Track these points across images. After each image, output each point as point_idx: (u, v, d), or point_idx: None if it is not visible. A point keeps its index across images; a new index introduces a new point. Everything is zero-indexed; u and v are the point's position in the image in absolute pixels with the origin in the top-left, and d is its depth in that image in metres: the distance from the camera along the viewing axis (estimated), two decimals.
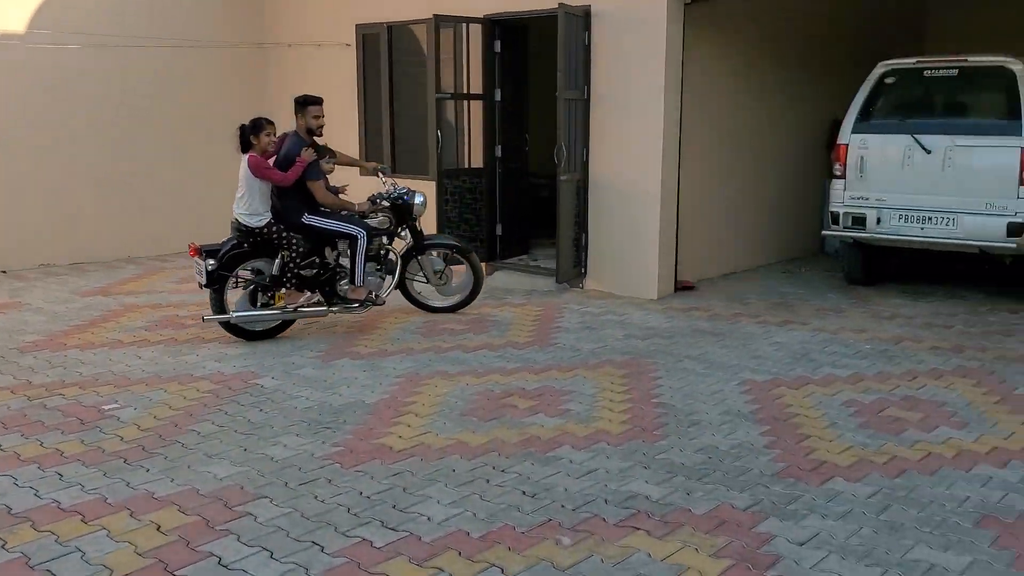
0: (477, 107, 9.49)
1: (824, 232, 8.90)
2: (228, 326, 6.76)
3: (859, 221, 8.19)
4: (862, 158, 8.21)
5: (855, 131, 8.27)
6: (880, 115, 8.30)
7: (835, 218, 8.37)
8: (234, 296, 6.83)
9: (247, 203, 6.54)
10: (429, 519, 3.85)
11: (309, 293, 6.90)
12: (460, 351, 6.55)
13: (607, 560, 3.50)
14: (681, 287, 8.63)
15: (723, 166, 9.29)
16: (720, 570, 3.41)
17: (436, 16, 8.96)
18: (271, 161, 6.63)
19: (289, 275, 6.67)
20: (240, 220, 6.58)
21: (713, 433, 4.87)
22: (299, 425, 5.02)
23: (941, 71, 8.05)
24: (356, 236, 6.77)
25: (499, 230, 9.66)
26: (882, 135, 8.15)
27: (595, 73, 8.46)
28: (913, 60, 8.31)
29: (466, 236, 9.21)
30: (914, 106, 8.34)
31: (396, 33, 10.21)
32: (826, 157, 10.65)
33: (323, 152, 6.98)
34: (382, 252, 7.21)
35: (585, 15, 8.36)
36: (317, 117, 6.79)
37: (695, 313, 7.75)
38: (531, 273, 9.22)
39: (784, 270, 9.88)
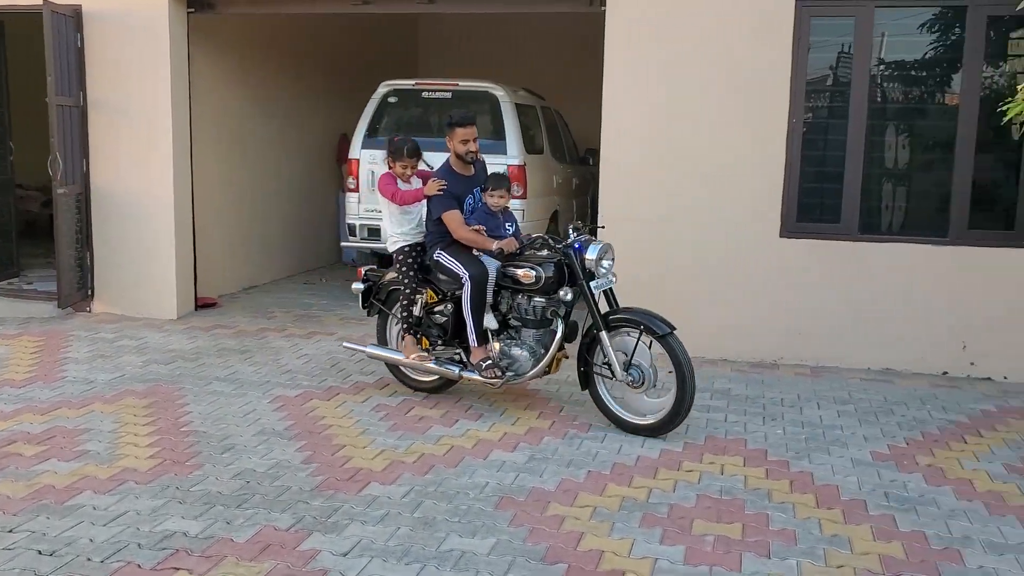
0: None
1: (343, 244, 9.19)
2: (390, 367, 6.04)
3: (375, 232, 8.60)
4: (372, 172, 8.62)
5: (364, 147, 8.66)
6: (386, 132, 8.78)
7: (352, 230, 8.68)
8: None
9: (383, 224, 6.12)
10: None
11: (420, 346, 5.74)
12: None
13: None
14: (202, 304, 8.31)
15: (238, 179, 9.15)
16: None
17: None
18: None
19: (403, 315, 5.74)
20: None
21: (249, 456, 4.76)
22: None
23: (437, 93, 8.77)
24: (462, 280, 5.41)
25: None
26: None
27: (91, 78, 7.80)
28: (412, 82, 8.94)
29: None
30: (415, 124, 8.97)
31: None
32: (338, 171, 11.03)
33: (480, 182, 5.60)
34: (535, 313, 5.42)
35: (76, 15, 7.65)
36: (465, 141, 5.48)
37: (219, 331, 7.51)
38: (25, 299, 8.20)
39: (306, 281, 10.02)
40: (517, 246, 5.38)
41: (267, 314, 8.25)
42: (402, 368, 5.92)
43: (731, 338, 6.90)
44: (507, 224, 5.56)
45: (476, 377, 5.47)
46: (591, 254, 5.22)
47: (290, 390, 5.92)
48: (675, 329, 5.01)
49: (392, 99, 8.81)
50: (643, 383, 5.13)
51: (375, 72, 9.93)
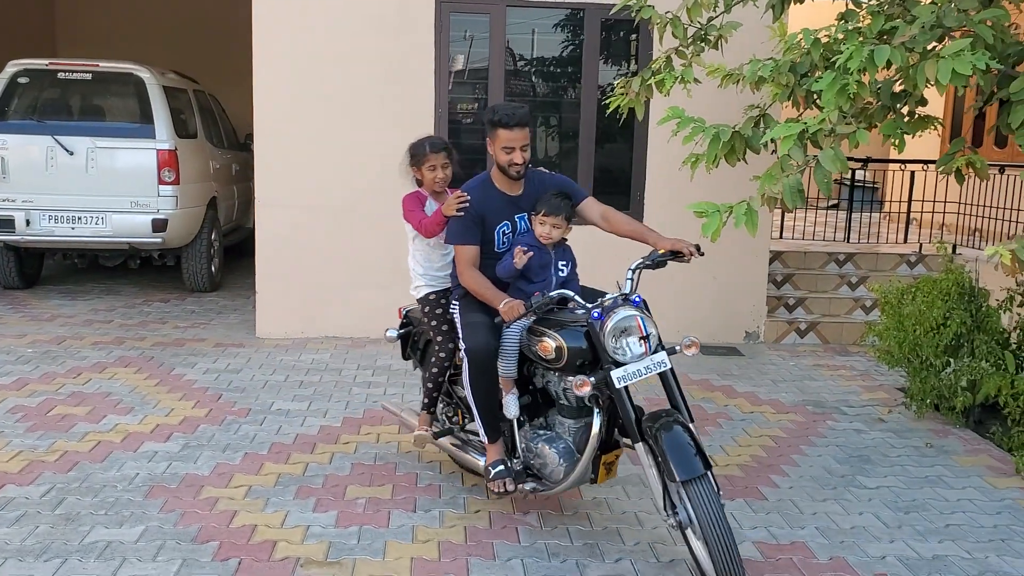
0: None
1: None
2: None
3: (7, 224, 7.89)
4: (4, 159, 7.90)
5: None
6: (18, 115, 8.09)
7: None
8: None
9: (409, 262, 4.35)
10: None
11: (428, 423, 4.39)
12: None
13: None
14: None
15: None
16: None
17: None
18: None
19: (427, 378, 4.34)
20: None
21: None
22: None
23: (76, 74, 8.21)
24: (462, 350, 3.93)
25: None
26: (21, 135, 7.96)
27: None
28: (47, 61, 8.28)
29: None
30: (51, 108, 8.33)
31: None
32: None
33: (530, 207, 3.91)
34: (568, 399, 3.77)
35: None
36: (510, 149, 3.80)
37: None
38: None
39: None
40: (520, 312, 3.55)
41: None
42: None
43: (392, 317, 7.19)
44: (560, 264, 3.88)
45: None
46: (608, 333, 3.45)
47: None
48: (710, 468, 3.29)
49: (22, 79, 8.12)
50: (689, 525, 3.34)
51: (4, 51, 9.06)
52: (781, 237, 9.05)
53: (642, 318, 3.47)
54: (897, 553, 3.79)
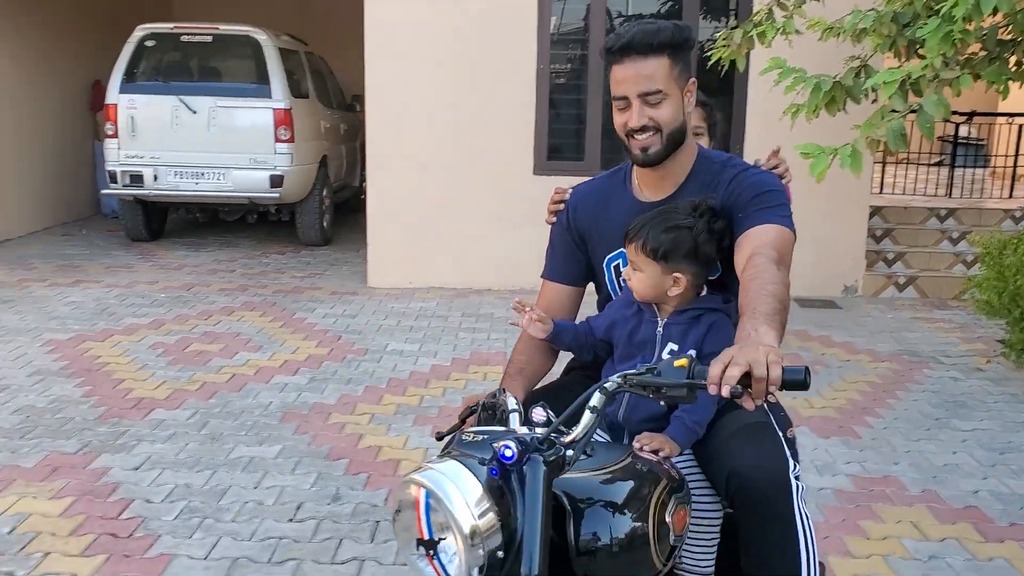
0: None
1: (103, 192, 8.96)
2: None
3: (137, 179, 8.46)
4: (132, 117, 8.46)
5: (123, 91, 8.46)
6: (145, 76, 8.63)
7: (113, 177, 8.49)
8: None
9: None
10: None
11: None
12: None
13: None
14: None
15: None
16: (63, 508, 3.53)
17: None
18: None
19: None
20: None
21: (26, 394, 4.78)
22: None
23: (197, 37, 8.69)
24: None
25: None
26: (149, 95, 8.50)
27: None
28: (171, 25, 8.79)
29: None
30: (176, 69, 8.86)
31: None
32: (91, 119, 10.62)
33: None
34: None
35: None
36: (624, 106, 2.09)
37: None
38: None
39: (64, 233, 9.66)
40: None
41: (26, 265, 7.96)
42: None
43: (494, 270, 7.51)
44: (671, 347, 2.08)
45: None
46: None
47: (61, 334, 5.89)
48: None
49: (149, 43, 8.64)
50: None
51: (128, 16, 9.63)
52: (881, 192, 9.00)
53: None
54: (990, 488, 3.91)
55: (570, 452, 1.59)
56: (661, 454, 1.91)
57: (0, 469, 3.85)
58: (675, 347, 2.07)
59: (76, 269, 7.89)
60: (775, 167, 3.19)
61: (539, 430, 1.63)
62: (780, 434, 2.04)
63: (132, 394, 4.83)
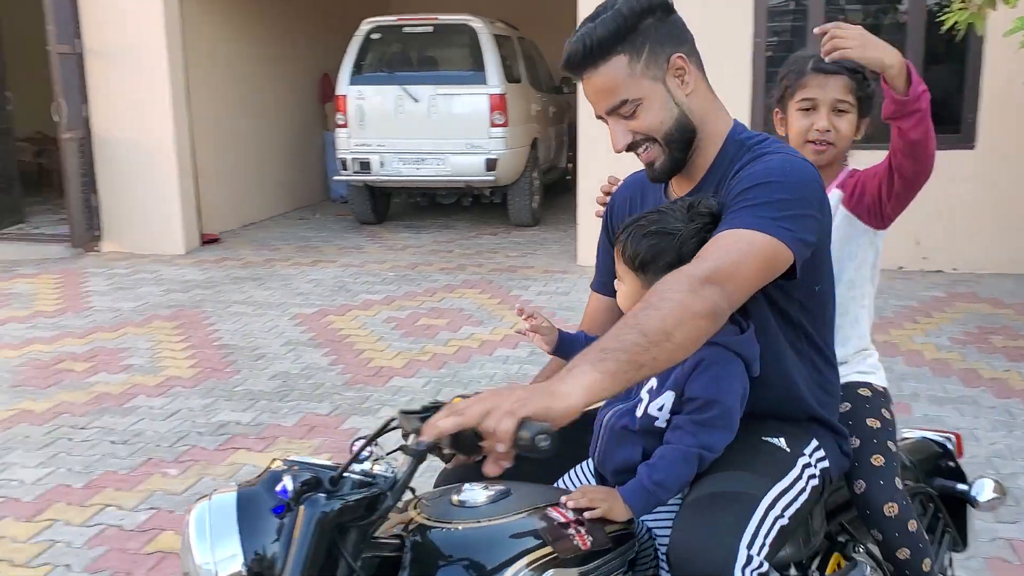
0: None
1: (335, 178, 9.64)
2: None
3: (365, 166, 9.04)
4: (361, 107, 9.03)
5: (352, 83, 9.04)
6: (371, 68, 9.18)
7: (344, 164, 9.11)
8: None
9: None
10: (21, 482, 3.76)
11: None
12: None
13: (219, 477, 3.79)
14: (206, 240, 8.75)
15: (231, 119, 9.50)
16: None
17: None
18: None
19: None
20: None
21: (281, 362, 5.29)
22: None
23: (419, 28, 9.15)
24: None
25: None
26: (375, 86, 9.04)
27: (86, 25, 8.11)
28: (394, 18, 9.30)
29: None
30: (399, 59, 9.37)
31: None
32: (320, 110, 11.41)
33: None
34: None
35: None
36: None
37: (228, 263, 7.98)
38: (36, 242, 8.60)
39: (299, 217, 10.46)
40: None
41: (270, 246, 8.71)
42: None
43: None
44: (649, 382, 1.66)
45: None
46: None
47: (307, 309, 6.43)
48: None
49: (375, 36, 9.18)
50: None
51: (349, 11, 10.26)
52: None
53: None
54: None
55: (386, 496, 1.33)
56: (589, 514, 1.52)
57: (266, 427, 4.30)
58: (654, 385, 1.66)
59: (314, 250, 8.55)
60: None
61: (359, 467, 1.36)
62: (758, 511, 1.55)
63: (372, 363, 5.23)
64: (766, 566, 1.50)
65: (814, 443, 1.76)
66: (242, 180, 9.76)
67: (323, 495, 1.30)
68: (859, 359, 2.22)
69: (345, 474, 1.34)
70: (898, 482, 1.98)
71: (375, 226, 9.75)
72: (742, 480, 1.58)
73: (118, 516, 3.47)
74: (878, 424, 2.08)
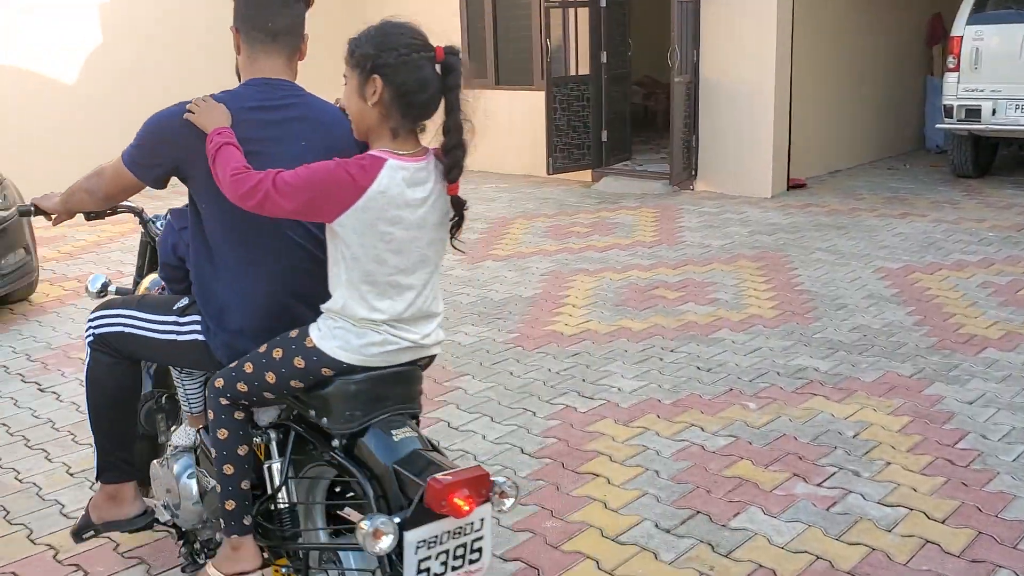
0: (583, 14, 9.62)
1: (936, 126, 8.98)
2: None
3: (973, 113, 8.25)
4: (977, 49, 8.22)
5: (969, 23, 8.26)
6: (995, 5, 8.27)
7: (948, 111, 8.43)
8: None
9: None
10: (619, 389, 4.26)
11: None
12: (592, 251, 6.89)
13: (795, 420, 3.88)
14: (792, 185, 8.82)
15: (828, 65, 9.34)
16: (901, 425, 3.77)
17: None
18: None
19: None
20: None
21: (862, 315, 5.18)
22: (471, 317, 5.45)
23: None
24: None
25: (604, 136, 9.89)
26: (997, 25, 8.14)
27: None
28: None
29: (573, 143, 9.49)
30: None
31: None
32: (927, 53, 10.63)
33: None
34: None
35: None
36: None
37: (812, 209, 7.97)
38: (639, 177, 9.48)
39: (888, 167, 9.99)
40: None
41: (856, 195, 8.48)
42: None
43: None
44: None
45: None
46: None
47: (891, 263, 6.17)
48: None
49: None
50: None
51: None
52: None
53: None
54: None
55: None
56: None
57: (843, 379, 4.27)
58: None
59: (902, 202, 8.12)
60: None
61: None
62: None
63: (963, 329, 4.85)
64: None
65: None
66: (833, 126, 9.59)
67: None
68: None
69: None
70: None
71: (974, 180, 8.90)
72: None
73: (701, 436, 3.77)
74: None
